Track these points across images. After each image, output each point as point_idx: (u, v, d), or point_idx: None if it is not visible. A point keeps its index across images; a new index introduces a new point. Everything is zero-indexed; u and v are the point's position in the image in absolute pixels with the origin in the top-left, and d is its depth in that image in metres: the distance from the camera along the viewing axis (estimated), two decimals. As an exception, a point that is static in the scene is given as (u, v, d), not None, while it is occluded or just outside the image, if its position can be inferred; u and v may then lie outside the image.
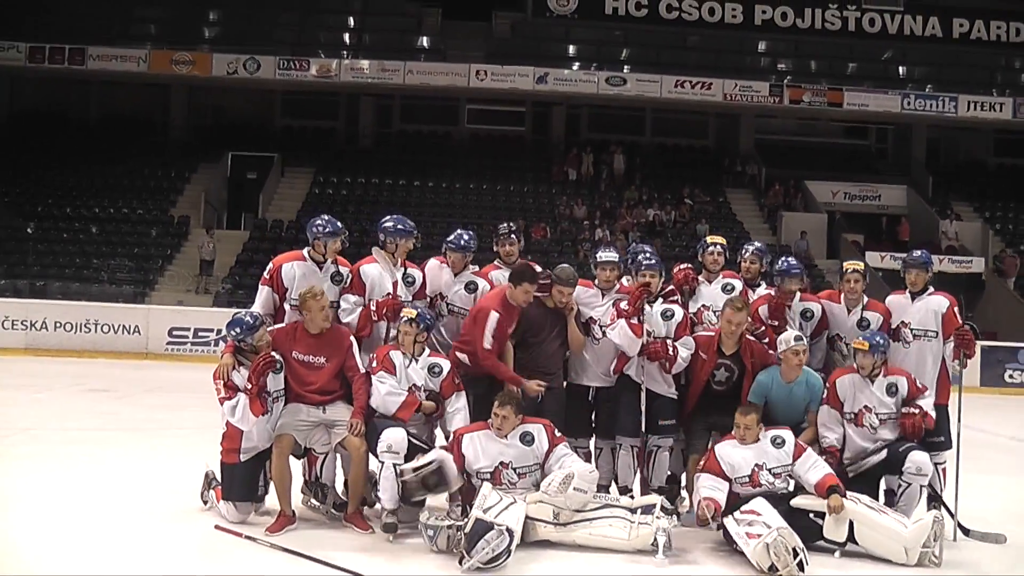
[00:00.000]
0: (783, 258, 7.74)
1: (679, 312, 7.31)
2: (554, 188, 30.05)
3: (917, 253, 7.70)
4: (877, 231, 29.94)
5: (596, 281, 7.52)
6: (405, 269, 7.29)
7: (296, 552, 5.95)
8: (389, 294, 7.13)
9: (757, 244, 8.11)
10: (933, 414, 6.98)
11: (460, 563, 5.82)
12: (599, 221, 27.65)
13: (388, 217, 7.42)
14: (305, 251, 7.20)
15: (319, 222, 7.21)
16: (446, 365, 6.88)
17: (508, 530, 5.85)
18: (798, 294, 7.59)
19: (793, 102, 30.27)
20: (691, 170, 31.35)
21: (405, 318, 6.79)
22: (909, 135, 32.86)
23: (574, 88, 30.01)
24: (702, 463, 6.62)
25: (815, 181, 30.69)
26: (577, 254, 24.54)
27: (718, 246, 7.78)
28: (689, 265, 7.86)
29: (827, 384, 7.07)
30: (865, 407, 6.92)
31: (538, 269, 7.30)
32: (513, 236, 7.83)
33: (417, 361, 6.79)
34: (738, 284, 7.58)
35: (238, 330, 6.66)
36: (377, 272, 7.19)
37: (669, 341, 7.13)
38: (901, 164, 32.78)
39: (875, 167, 32.89)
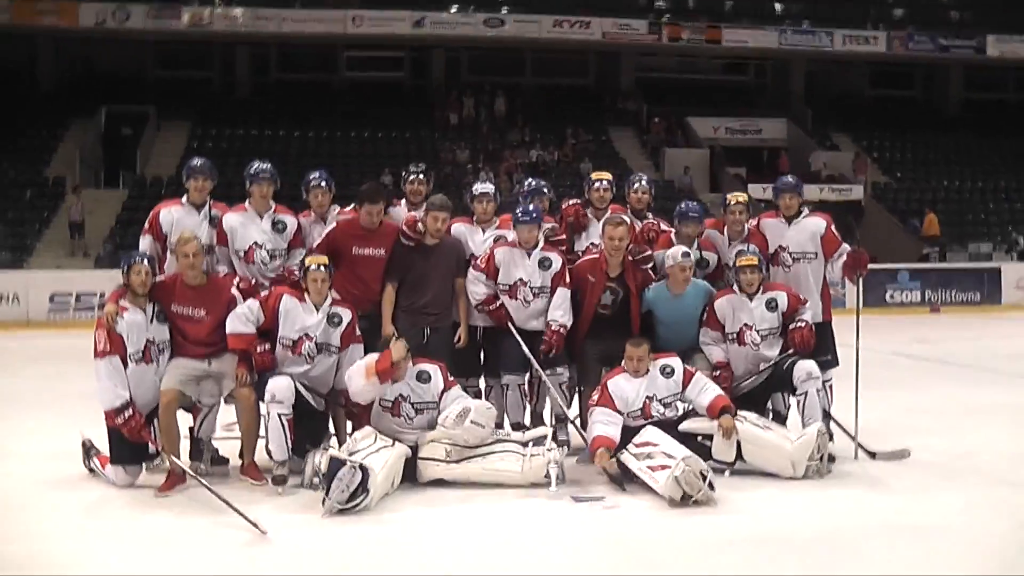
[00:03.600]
0: (683, 202, 7.69)
1: (557, 262, 7.21)
2: (436, 133, 29.78)
3: (788, 178, 7.78)
4: (758, 164, 30.39)
5: (474, 217, 7.53)
6: (275, 216, 7.16)
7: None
8: (255, 242, 7.03)
9: (645, 176, 8.07)
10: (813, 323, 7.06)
11: (322, 504, 5.74)
12: (483, 164, 27.54)
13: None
14: (183, 197, 7.10)
15: (189, 162, 7.20)
16: (347, 315, 6.71)
17: (361, 466, 5.75)
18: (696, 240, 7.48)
19: (672, 40, 30.51)
20: (573, 109, 31.31)
21: (314, 266, 6.59)
22: (787, 70, 33.34)
23: (452, 31, 29.72)
24: (595, 397, 6.58)
25: (696, 117, 31.02)
26: (462, 198, 24.35)
27: (604, 182, 7.73)
28: (578, 201, 7.84)
29: (706, 309, 7.11)
30: (745, 325, 6.98)
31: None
32: (422, 176, 7.84)
33: (319, 310, 6.61)
34: (626, 218, 7.42)
35: (123, 264, 6.49)
36: (239, 220, 7.08)
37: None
38: (780, 98, 33.25)
39: (755, 102, 33.32)
